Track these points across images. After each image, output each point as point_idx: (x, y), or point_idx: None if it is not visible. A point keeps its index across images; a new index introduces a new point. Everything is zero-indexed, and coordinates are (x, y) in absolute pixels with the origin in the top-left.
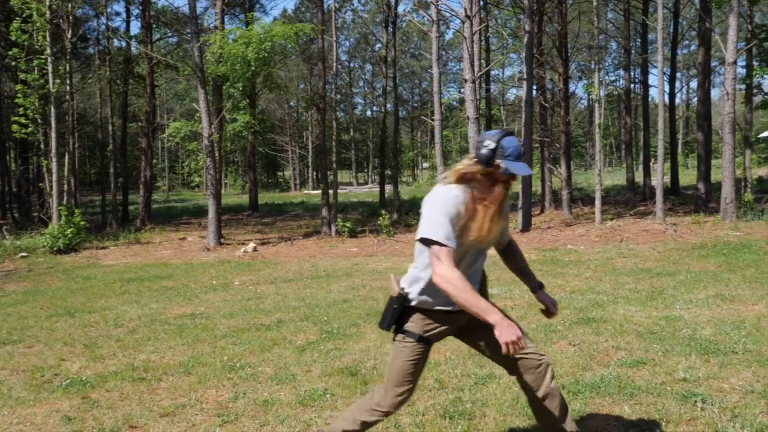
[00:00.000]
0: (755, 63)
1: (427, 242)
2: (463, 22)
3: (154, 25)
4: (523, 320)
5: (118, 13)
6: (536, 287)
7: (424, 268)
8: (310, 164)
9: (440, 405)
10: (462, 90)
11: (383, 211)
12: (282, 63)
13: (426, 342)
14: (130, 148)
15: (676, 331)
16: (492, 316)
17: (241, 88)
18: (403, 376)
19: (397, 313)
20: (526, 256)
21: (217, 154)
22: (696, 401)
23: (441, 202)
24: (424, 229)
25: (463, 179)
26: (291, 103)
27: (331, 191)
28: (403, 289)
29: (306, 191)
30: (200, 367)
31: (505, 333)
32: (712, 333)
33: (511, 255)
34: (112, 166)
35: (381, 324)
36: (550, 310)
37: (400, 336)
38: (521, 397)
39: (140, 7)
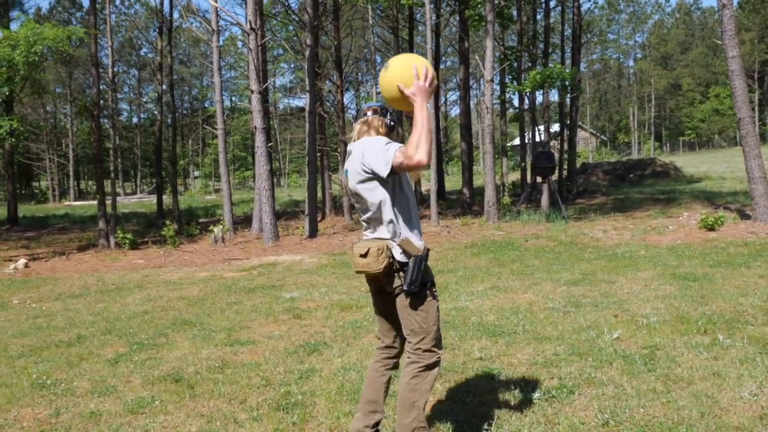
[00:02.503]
0: (507, 80)
1: (390, 167)
2: (248, 34)
3: None
4: (328, 319)
5: None
6: None
7: (395, 215)
8: (71, 173)
9: (272, 399)
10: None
11: (167, 221)
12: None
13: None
14: None
15: (466, 319)
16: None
17: (7, 93)
18: (438, 319)
19: (423, 269)
20: (315, 262)
21: None
22: (493, 374)
23: (375, 142)
24: (382, 160)
25: (379, 134)
26: (48, 108)
27: (108, 201)
28: (426, 247)
29: (68, 202)
30: (4, 388)
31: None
32: (495, 319)
33: None
34: None
35: (412, 286)
36: None
37: (427, 288)
38: (345, 386)
39: None
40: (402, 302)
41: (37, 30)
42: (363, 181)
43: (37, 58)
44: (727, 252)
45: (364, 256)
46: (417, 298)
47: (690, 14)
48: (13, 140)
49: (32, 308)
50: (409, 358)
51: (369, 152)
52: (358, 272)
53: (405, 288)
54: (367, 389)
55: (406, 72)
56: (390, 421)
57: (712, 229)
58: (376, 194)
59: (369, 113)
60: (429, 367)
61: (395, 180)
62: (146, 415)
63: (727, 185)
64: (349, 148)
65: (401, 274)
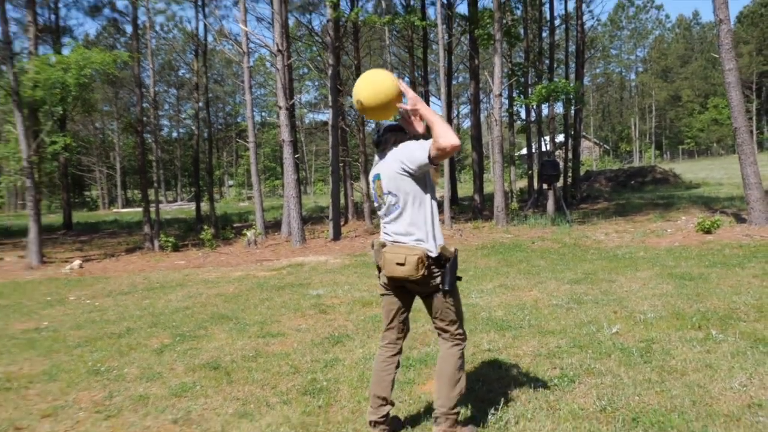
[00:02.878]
0: (515, 94)
1: (428, 153)
2: (276, 56)
3: None
4: (351, 314)
5: None
6: None
7: (426, 219)
8: (118, 183)
9: (300, 385)
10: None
11: (205, 226)
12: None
13: None
14: None
15: (476, 315)
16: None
17: (61, 111)
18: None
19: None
20: (338, 263)
21: (37, 176)
22: (501, 364)
23: (408, 144)
24: (422, 152)
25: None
26: (97, 124)
27: (152, 208)
28: (456, 249)
29: (116, 209)
30: (64, 374)
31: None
32: (503, 314)
33: None
34: None
35: (450, 285)
36: None
37: (455, 285)
38: (366, 374)
39: None
40: (439, 300)
41: (86, 54)
42: (402, 178)
43: (86, 80)
44: (722, 253)
45: (402, 264)
46: (451, 295)
47: (689, 29)
48: (67, 154)
49: (86, 304)
50: (449, 342)
51: (406, 150)
52: (391, 278)
53: (446, 288)
54: (375, 386)
55: (394, 90)
56: (398, 410)
57: (708, 232)
58: (413, 193)
59: (388, 133)
60: (463, 348)
61: (428, 182)
62: (188, 398)
63: (724, 191)
64: (377, 158)
65: (434, 276)
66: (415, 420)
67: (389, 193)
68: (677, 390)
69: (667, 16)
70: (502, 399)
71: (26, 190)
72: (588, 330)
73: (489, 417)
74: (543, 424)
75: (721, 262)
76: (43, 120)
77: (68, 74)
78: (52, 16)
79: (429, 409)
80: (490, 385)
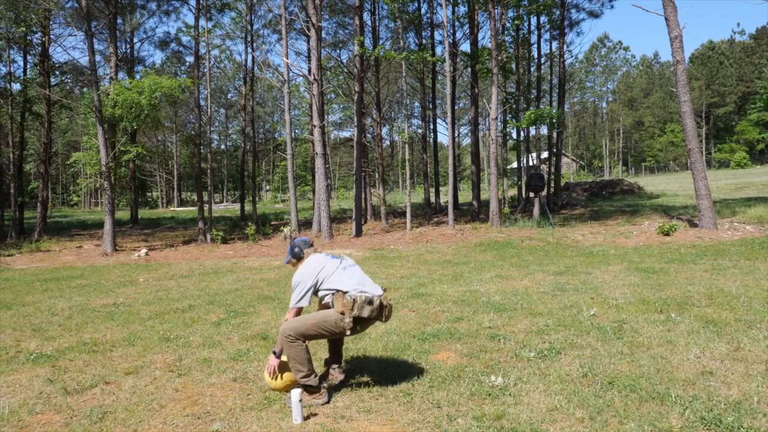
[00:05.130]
0: (508, 118)
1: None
2: (312, 84)
3: (56, 73)
4: None
5: (14, 61)
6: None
7: None
8: (175, 186)
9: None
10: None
11: (249, 223)
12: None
13: None
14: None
15: (478, 299)
16: None
17: (135, 126)
18: None
19: None
20: (360, 255)
21: (112, 179)
22: (500, 339)
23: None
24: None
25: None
26: (159, 137)
27: (205, 207)
28: None
29: (173, 208)
30: (140, 341)
31: None
32: (500, 299)
33: None
34: (12, 187)
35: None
36: None
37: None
38: (389, 345)
39: (39, 58)
40: None
41: (157, 80)
42: None
43: (156, 101)
44: (679, 252)
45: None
46: None
47: (651, 66)
48: (138, 162)
49: (153, 284)
50: None
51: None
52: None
53: None
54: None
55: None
56: (417, 374)
57: (667, 234)
58: None
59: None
60: None
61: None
62: (244, 361)
63: (679, 200)
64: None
65: None
66: (432, 381)
67: None
68: (644, 360)
69: (633, 56)
70: (503, 365)
71: (102, 191)
72: (570, 312)
73: (492, 380)
74: (536, 386)
75: (677, 259)
76: (119, 133)
77: (142, 96)
78: (128, 48)
79: (444, 373)
80: (491, 354)
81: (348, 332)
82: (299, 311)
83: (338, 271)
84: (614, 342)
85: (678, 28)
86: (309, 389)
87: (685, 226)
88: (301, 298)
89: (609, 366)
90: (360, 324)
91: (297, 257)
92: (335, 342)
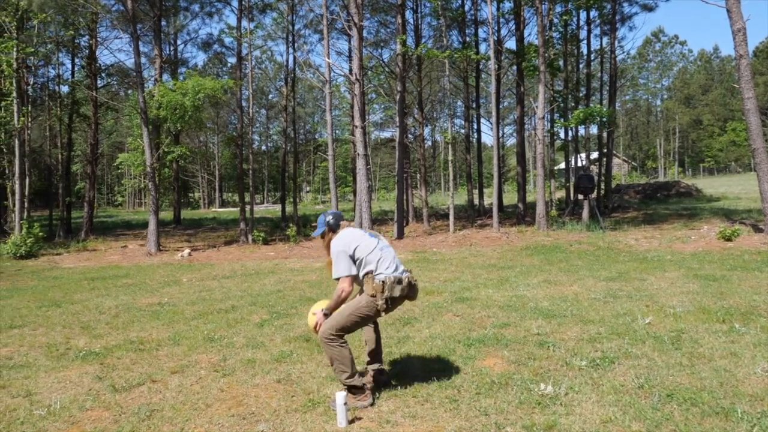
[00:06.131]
0: (555, 117)
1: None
2: (353, 84)
3: (102, 75)
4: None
5: (62, 64)
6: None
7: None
8: (217, 187)
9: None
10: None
11: (291, 225)
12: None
13: None
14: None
15: (525, 305)
16: None
17: (179, 127)
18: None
19: None
20: (402, 257)
21: (157, 179)
22: (549, 346)
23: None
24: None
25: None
26: (201, 138)
27: (247, 208)
28: None
29: (214, 209)
30: (185, 340)
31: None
32: (548, 304)
33: None
34: (60, 187)
35: None
36: None
37: None
38: (433, 349)
39: (86, 60)
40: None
41: (201, 82)
42: None
43: (200, 103)
44: (742, 258)
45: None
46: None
47: (710, 62)
48: (182, 162)
49: (197, 285)
50: None
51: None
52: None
53: None
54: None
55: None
56: (462, 380)
57: (729, 239)
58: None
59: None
60: None
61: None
62: (287, 363)
63: (742, 204)
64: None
65: None
66: (479, 388)
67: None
68: (706, 373)
69: (690, 51)
70: (553, 374)
71: (147, 191)
72: (624, 320)
73: (541, 388)
74: (588, 396)
75: (741, 266)
76: (164, 134)
77: (186, 98)
78: (172, 50)
79: (491, 380)
80: (540, 362)
81: (383, 313)
82: (351, 280)
83: (376, 251)
84: (672, 352)
85: (741, 21)
86: (353, 390)
87: (749, 231)
88: (349, 266)
89: (667, 378)
90: (392, 302)
91: (332, 229)
92: (373, 333)
